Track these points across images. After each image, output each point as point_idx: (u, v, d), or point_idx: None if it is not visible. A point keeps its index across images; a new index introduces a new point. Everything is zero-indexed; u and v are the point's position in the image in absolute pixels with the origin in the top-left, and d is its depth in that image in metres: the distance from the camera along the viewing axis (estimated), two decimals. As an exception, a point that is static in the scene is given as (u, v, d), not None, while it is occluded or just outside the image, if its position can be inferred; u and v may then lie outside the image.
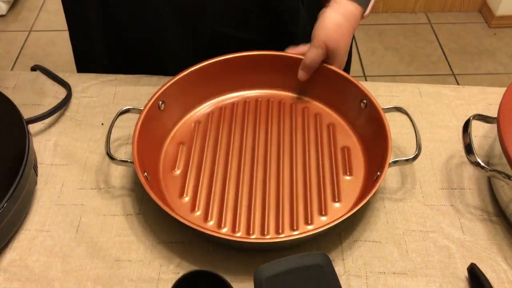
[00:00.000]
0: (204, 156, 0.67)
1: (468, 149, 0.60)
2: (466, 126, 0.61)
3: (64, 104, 0.72)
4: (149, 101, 0.65)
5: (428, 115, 0.73)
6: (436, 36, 2.20)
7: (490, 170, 0.58)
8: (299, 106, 0.73)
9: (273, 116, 0.72)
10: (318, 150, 0.67)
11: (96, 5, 0.77)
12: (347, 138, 0.69)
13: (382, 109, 0.64)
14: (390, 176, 0.66)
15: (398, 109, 0.66)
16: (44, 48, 2.16)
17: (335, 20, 0.67)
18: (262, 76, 0.74)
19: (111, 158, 0.60)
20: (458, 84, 1.97)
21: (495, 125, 0.61)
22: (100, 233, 0.60)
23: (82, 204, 0.62)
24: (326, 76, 0.70)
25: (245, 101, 0.74)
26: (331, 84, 0.71)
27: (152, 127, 0.65)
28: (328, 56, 0.69)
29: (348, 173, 0.65)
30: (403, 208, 0.62)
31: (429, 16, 2.31)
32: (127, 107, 0.65)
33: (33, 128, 0.70)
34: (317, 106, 0.73)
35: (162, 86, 0.67)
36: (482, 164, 0.58)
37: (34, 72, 0.79)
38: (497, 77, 2.02)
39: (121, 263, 0.57)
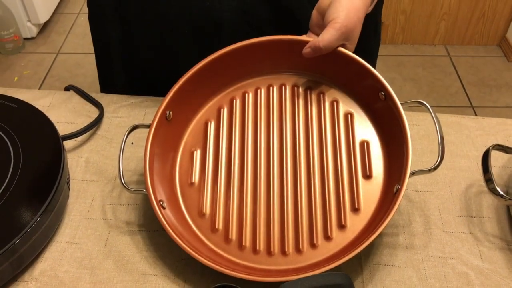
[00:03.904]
0: (220, 162, 0.65)
1: (487, 178, 0.61)
2: (486, 156, 0.63)
3: (96, 123, 0.75)
4: (155, 115, 0.64)
5: (448, 144, 0.74)
6: (455, 68, 2.22)
7: (509, 199, 0.59)
8: (315, 91, 0.70)
9: (287, 106, 0.69)
10: (336, 147, 0.65)
11: (116, 23, 0.80)
12: (366, 130, 0.66)
13: (401, 103, 0.61)
14: (410, 202, 0.67)
15: (420, 103, 0.62)
16: (71, 70, 2.23)
17: (355, 3, 0.62)
18: (272, 61, 0.71)
19: (125, 187, 0.60)
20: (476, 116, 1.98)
21: (514, 156, 0.62)
22: (127, 247, 0.62)
23: (111, 219, 0.65)
24: (341, 60, 0.66)
25: (257, 89, 0.71)
26: (348, 69, 0.66)
27: (164, 140, 0.64)
28: (343, 40, 0.64)
29: (367, 174, 0.63)
30: (422, 234, 0.63)
31: (448, 48, 2.33)
32: (135, 124, 0.65)
33: (66, 145, 0.73)
34: (333, 91, 0.69)
35: (166, 97, 0.65)
36: (501, 193, 0.59)
37: (68, 92, 0.83)
38: (516, 110, 2.03)
39: (147, 277, 0.59)
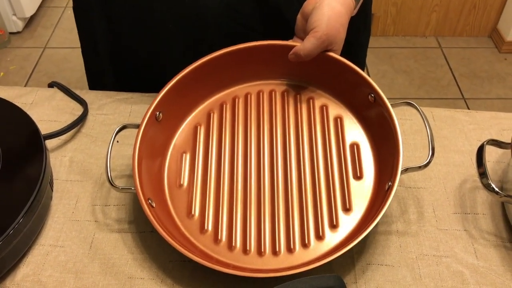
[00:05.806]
0: (209, 165, 0.65)
1: (482, 174, 0.60)
2: (480, 151, 0.61)
3: (80, 120, 0.73)
4: (145, 115, 0.63)
5: (441, 139, 0.73)
6: (446, 60, 2.21)
7: (504, 196, 0.58)
8: (304, 97, 0.70)
9: (277, 111, 0.69)
10: (326, 150, 0.65)
11: (102, 20, 0.78)
12: (356, 132, 0.66)
13: (391, 104, 0.62)
14: (403, 199, 0.66)
15: (409, 104, 0.64)
16: (58, 64, 2.19)
17: (336, 10, 0.63)
18: (261, 66, 0.71)
19: (112, 185, 0.59)
20: (468, 108, 1.97)
21: (508, 151, 0.61)
22: (113, 250, 0.60)
23: (96, 221, 0.63)
24: (330, 64, 0.67)
25: (247, 94, 0.71)
26: (336, 72, 0.67)
27: (152, 141, 0.64)
28: (326, 47, 0.65)
29: (358, 175, 0.63)
30: (416, 232, 0.62)
31: (439, 40, 2.32)
32: (124, 124, 0.64)
33: (49, 143, 0.71)
34: (322, 95, 0.70)
35: (157, 97, 0.64)
36: (496, 189, 0.58)
37: (51, 89, 0.81)
38: (508, 102, 2.02)
39: (133, 280, 0.57)
